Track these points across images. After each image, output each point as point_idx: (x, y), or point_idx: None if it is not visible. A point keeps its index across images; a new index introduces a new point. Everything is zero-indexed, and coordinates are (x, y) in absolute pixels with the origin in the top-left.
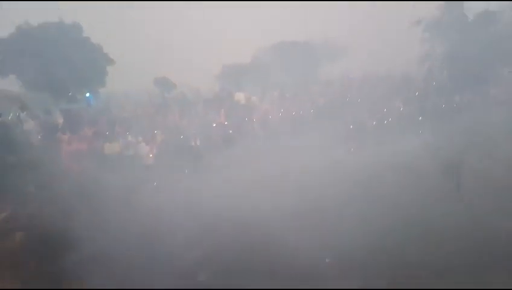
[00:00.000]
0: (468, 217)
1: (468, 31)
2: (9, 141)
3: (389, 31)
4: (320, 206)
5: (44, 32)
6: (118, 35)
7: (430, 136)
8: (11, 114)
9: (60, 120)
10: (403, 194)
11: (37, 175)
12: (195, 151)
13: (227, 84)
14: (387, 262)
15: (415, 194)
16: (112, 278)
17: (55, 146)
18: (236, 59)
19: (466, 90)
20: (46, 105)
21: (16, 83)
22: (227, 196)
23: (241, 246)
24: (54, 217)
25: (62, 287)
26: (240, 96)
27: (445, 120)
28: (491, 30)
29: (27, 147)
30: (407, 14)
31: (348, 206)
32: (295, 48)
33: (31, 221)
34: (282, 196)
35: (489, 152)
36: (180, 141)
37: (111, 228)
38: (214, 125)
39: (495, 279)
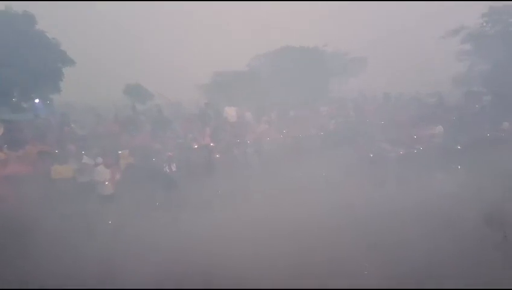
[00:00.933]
0: None
1: None
2: None
3: (419, 42)
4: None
5: None
6: (83, 30)
7: (470, 173)
8: None
9: None
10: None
11: None
12: (170, 179)
13: (216, 96)
14: None
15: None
16: None
17: None
18: (229, 67)
19: None
20: None
21: None
22: (209, 245)
23: None
24: None
25: None
26: (231, 112)
27: (488, 152)
28: None
29: None
30: (441, 21)
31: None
32: (302, 56)
33: None
34: (280, 252)
35: None
36: (152, 166)
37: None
38: (196, 147)
39: None
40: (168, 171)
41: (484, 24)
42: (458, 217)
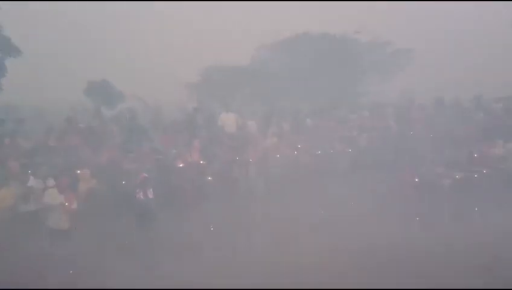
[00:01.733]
0: None
1: None
2: None
3: (483, 30)
4: None
5: None
6: (34, 14)
7: None
8: None
9: None
10: None
11: None
12: (145, 210)
13: (208, 99)
14: None
15: None
16: None
17: None
18: (225, 60)
19: None
20: None
21: None
22: None
23: None
24: None
25: None
26: (229, 120)
27: None
28: None
29: None
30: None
31: None
32: (324, 45)
33: None
34: None
35: None
36: (121, 191)
37: None
38: (181, 165)
39: None
40: (142, 198)
41: None
42: None
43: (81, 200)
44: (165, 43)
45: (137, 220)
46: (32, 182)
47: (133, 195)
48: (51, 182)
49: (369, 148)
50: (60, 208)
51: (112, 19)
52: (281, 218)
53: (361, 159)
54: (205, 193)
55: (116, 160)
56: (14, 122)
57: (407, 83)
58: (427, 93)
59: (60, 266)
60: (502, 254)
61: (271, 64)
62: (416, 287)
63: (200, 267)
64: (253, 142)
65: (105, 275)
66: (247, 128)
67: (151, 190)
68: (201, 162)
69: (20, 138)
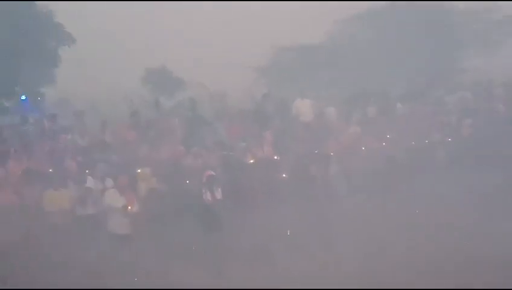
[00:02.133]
0: None
1: None
2: None
3: None
4: None
5: None
6: None
7: None
8: None
9: None
10: None
11: None
12: (212, 213)
13: (279, 84)
14: None
15: None
16: None
17: None
18: (297, 39)
19: None
20: None
21: None
22: None
23: None
24: None
25: None
26: (304, 108)
27: None
28: None
29: None
30: None
31: None
32: (415, 15)
33: None
34: None
35: None
36: (185, 191)
37: None
38: (251, 161)
39: None
40: (209, 200)
41: None
42: None
43: (142, 202)
44: (228, 24)
45: (205, 223)
46: (90, 182)
47: (199, 196)
48: (109, 182)
49: (473, 137)
50: (121, 210)
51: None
52: (369, 222)
53: (463, 151)
54: (280, 193)
55: (178, 156)
56: (68, 116)
57: None
58: None
59: (122, 273)
60: None
61: (351, 40)
62: None
63: (275, 277)
64: (334, 132)
65: (171, 284)
66: (326, 117)
67: (219, 189)
68: (274, 157)
69: (76, 134)
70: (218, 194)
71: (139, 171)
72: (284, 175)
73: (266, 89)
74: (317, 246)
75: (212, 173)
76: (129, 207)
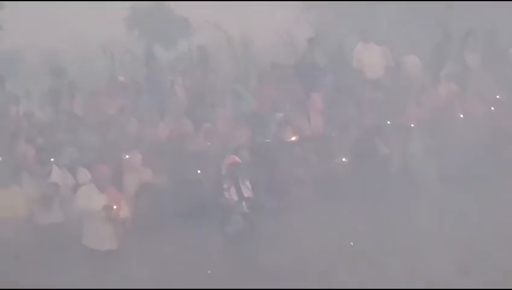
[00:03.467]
0: None
1: None
2: None
3: None
4: None
5: None
6: None
7: None
8: None
9: None
10: None
11: None
12: (239, 216)
13: (331, 22)
14: None
15: None
16: None
17: None
18: None
19: None
20: None
21: None
22: None
23: None
24: None
25: None
26: (370, 56)
27: None
28: None
29: None
30: None
31: None
32: None
33: None
34: None
35: None
36: (196, 187)
37: None
38: (293, 139)
39: None
40: (232, 198)
41: None
42: None
43: (132, 203)
44: None
45: (226, 234)
46: (55, 175)
47: (218, 193)
48: (83, 174)
49: None
50: (101, 216)
51: None
52: (464, 224)
53: None
54: (337, 184)
55: (182, 135)
56: (20, 78)
57: None
58: None
59: None
60: None
61: None
62: None
63: None
64: (415, 92)
65: None
66: (403, 70)
67: (247, 183)
68: (326, 133)
69: (31, 105)
70: (247, 190)
71: (126, 157)
72: (343, 159)
73: (312, 32)
74: (390, 259)
75: (237, 159)
76: (113, 210)
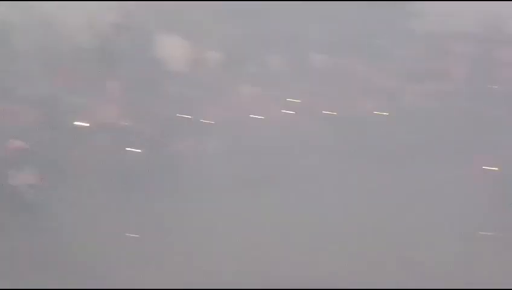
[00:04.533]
0: None
1: None
2: None
3: None
4: None
5: None
6: None
7: None
8: None
9: None
10: None
11: None
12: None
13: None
14: None
15: None
16: None
17: None
18: None
19: None
20: None
21: None
22: None
23: None
24: None
25: None
26: (173, 47)
27: None
28: None
29: None
30: None
31: None
32: None
33: None
34: None
35: None
36: None
37: None
38: (87, 125)
39: None
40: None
41: None
42: None
43: None
44: None
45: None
46: None
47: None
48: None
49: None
50: None
51: None
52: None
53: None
54: (129, 175)
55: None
56: None
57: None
58: None
59: None
60: None
61: None
62: None
63: None
64: (216, 90)
65: None
66: (206, 66)
67: (35, 170)
68: (122, 122)
69: None
70: (33, 178)
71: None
72: (138, 150)
73: (118, 17)
74: None
75: (23, 144)
76: None
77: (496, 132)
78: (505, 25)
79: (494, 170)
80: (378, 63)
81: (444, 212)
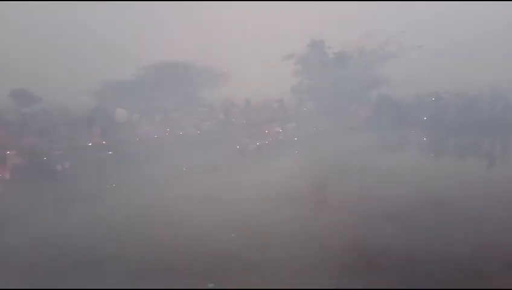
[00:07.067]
0: None
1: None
2: None
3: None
4: None
5: None
6: None
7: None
8: None
9: None
10: None
11: None
12: (63, 176)
13: (105, 101)
14: None
15: None
16: None
17: None
18: (117, 76)
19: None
20: None
21: None
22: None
23: None
24: None
25: None
26: (121, 114)
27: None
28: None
29: None
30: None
31: None
32: (177, 69)
33: None
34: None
35: None
36: (43, 165)
37: None
38: (90, 144)
39: None
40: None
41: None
42: None
43: (11, 173)
44: (77, 62)
45: (57, 182)
46: None
47: (52, 166)
48: None
49: (210, 128)
50: None
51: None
52: (156, 171)
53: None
54: (106, 161)
55: (35, 143)
56: None
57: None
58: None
59: None
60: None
61: (148, 79)
62: None
63: (100, 209)
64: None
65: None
66: (133, 120)
67: (66, 162)
68: (103, 142)
69: None
70: (67, 164)
71: (8, 153)
72: (109, 152)
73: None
74: None
75: (62, 153)
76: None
77: None
78: None
79: None
80: None
81: None
